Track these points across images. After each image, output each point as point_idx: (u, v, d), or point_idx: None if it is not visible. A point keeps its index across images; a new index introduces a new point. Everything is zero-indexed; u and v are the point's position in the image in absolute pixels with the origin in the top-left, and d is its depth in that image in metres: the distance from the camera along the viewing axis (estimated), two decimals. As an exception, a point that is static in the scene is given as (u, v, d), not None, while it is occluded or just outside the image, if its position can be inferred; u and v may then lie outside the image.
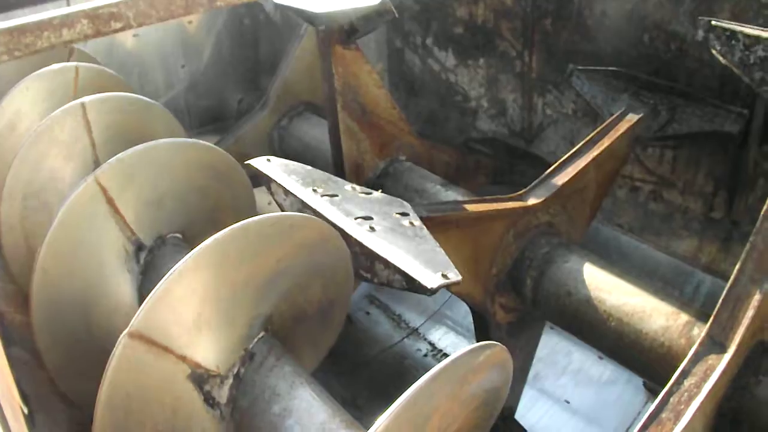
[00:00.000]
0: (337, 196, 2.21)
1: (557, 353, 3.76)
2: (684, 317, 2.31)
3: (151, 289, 1.75)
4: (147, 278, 2.45)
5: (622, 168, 3.28)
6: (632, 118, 3.17)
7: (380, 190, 2.35)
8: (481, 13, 3.87)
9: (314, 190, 2.22)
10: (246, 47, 4.19)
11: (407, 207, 2.23)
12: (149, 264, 2.46)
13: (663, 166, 3.46)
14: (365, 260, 2.05)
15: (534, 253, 2.67)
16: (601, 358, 3.59)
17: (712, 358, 1.93)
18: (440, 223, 2.39)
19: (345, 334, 2.42)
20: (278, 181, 2.28)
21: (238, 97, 4.20)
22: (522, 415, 3.33)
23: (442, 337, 4.13)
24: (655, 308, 2.37)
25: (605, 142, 3.02)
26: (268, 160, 2.34)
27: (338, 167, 3.32)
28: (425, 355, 4.03)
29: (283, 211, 2.26)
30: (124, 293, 2.42)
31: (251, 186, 2.68)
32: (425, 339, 4.12)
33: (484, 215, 2.55)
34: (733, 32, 2.45)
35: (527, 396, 3.41)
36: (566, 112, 3.74)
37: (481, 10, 3.85)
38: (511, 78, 3.91)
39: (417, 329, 4.19)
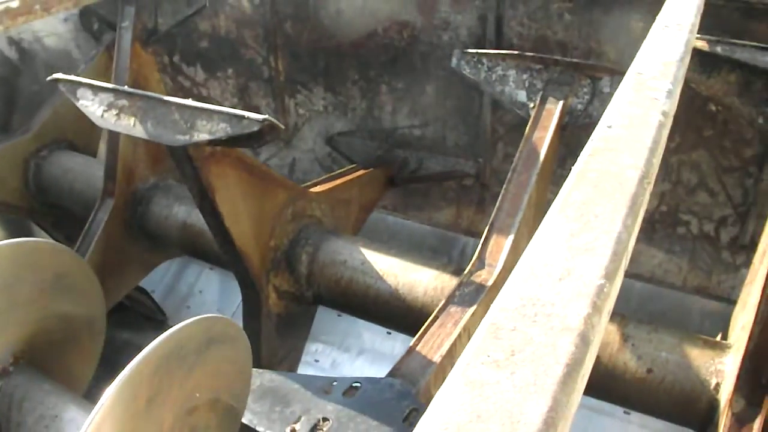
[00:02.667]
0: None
1: (348, 337, 3.90)
2: (452, 267, 2.54)
3: None
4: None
5: (378, 202, 3.68)
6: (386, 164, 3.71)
7: None
8: (223, 25, 3.94)
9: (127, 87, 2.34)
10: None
11: None
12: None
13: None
14: (185, 123, 2.13)
15: (309, 233, 2.81)
16: (389, 333, 3.77)
17: (484, 273, 2.17)
18: (238, 158, 2.53)
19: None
20: (88, 82, 2.32)
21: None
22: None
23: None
24: (426, 263, 2.58)
25: (365, 171, 3.50)
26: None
27: (111, 170, 3.25)
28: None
29: (91, 116, 2.29)
30: None
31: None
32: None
33: (271, 176, 2.70)
34: (479, 56, 2.82)
35: (327, 384, 3.51)
36: (318, 109, 3.90)
37: (222, 21, 3.93)
38: (261, 84, 4.02)
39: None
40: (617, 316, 2.38)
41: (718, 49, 2.37)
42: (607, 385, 2.29)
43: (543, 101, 2.79)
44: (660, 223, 3.41)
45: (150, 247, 3.41)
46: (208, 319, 1.69)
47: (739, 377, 1.92)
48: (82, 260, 2.29)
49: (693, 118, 3.19)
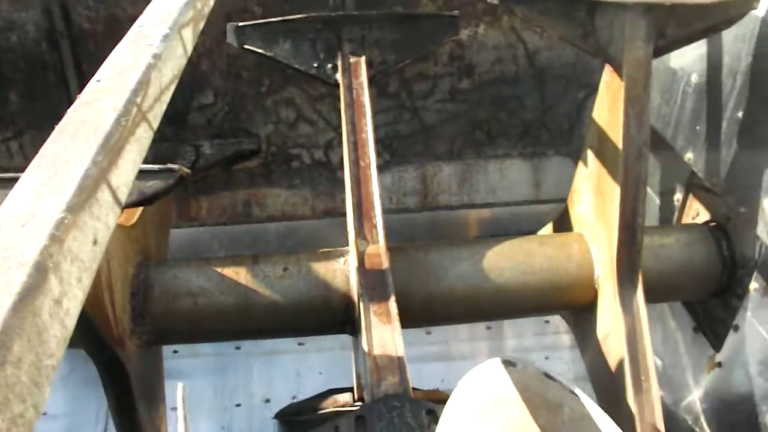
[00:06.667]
0: None
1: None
2: None
3: None
4: None
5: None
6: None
7: None
8: None
9: None
10: None
11: None
12: None
13: (15, 160, 3.54)
14: None
15: None
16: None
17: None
18: None
19: None
20: None
21: None
22: None
23: None
24: None
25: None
26: None
27: None
28: None
29: None
30: None
31: None
32: None
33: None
34: None
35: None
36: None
37: None
38: None
39: None
40: (248, 257, 2.51)
41: None
42: (250, 306, 2.40)
43: None
44: (274, 164, 3.62)
45: None
46: None
47: (356, 232, 2.27)
48: None
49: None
